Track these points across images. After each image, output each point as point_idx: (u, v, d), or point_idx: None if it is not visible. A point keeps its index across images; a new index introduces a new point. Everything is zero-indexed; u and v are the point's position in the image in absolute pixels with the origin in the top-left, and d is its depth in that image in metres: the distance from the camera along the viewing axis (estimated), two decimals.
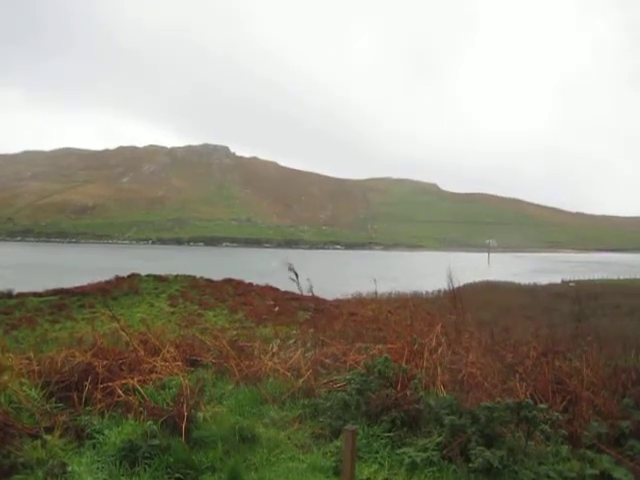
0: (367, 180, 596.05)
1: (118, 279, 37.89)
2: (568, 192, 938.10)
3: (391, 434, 8.30)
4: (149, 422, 7.97)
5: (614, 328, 23.47)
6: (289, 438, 8.48)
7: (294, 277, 11.89)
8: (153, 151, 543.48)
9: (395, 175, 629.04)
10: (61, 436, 7.91)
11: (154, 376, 10.28)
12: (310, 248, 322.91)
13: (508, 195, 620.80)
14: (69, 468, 7.10)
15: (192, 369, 11.38)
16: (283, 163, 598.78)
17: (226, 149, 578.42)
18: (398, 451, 7.84)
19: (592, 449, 8.32)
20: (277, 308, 28.36)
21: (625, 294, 55.42)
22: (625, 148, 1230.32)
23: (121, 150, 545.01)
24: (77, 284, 35.85)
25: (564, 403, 9.51)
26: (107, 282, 36.71)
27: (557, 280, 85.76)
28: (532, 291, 63.49)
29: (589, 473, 7.54)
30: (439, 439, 7.82)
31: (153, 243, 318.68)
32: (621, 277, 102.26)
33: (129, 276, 38.65)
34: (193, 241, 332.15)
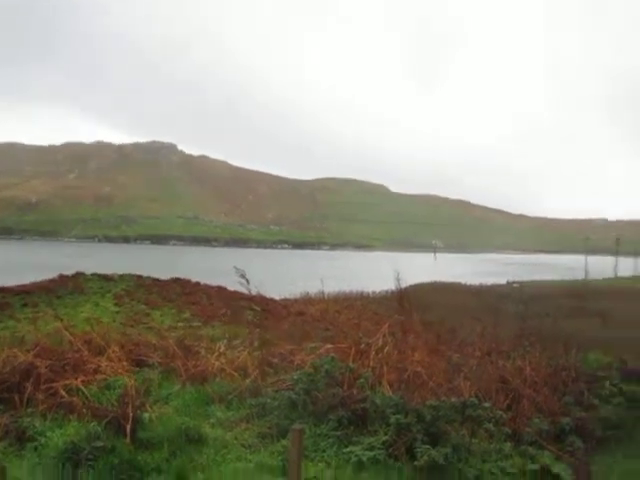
0: (316, 180, 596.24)
1: (62, 278, 37.11)
2: (511, 194, 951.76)
3: (338, 433, 8.34)
4: (93, 423, 7.87)
5: (556, 328, 23.90)
6: (236, 438, 8.46)
7: (242, 277, 11.85)
8: (100, 147, 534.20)
9: (344, 175, 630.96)
10: (1, 439, 7.76)
11: (98, 376, 10.16)
12: (258, 247, 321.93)
13: (454, 197, 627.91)
14: (9, 472, 6.95)
15: (138, 369, 11.26)
16: (233, 163, 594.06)
17: (174, 147, 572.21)
18: (345, 450, 7.88)
19: (534, 445, 8.50)
20: (227, 310, 28.15)
21: (567, 295, 56.50)
22: (565, 152, 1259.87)
23: (68, 146, 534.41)
24: (20, 282, 35.07)
25: (507, 401, 9.69)
26: (51, 281, 35.91)
27: (502, 281, 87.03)
28: (477, 292, 64.24)
29: (530, 469, 7.71)
30: (385, 438, 7.89)
31: (99, 241, 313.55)
32: (563, 278, 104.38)
33: (74, 275, 37.85)
34: (140, 239, 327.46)
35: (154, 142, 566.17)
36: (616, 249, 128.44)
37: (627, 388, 10.62)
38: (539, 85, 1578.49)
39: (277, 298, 37.34)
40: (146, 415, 8.49)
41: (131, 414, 8.01)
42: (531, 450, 8.33)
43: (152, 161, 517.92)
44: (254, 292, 13.04)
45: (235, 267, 11.73)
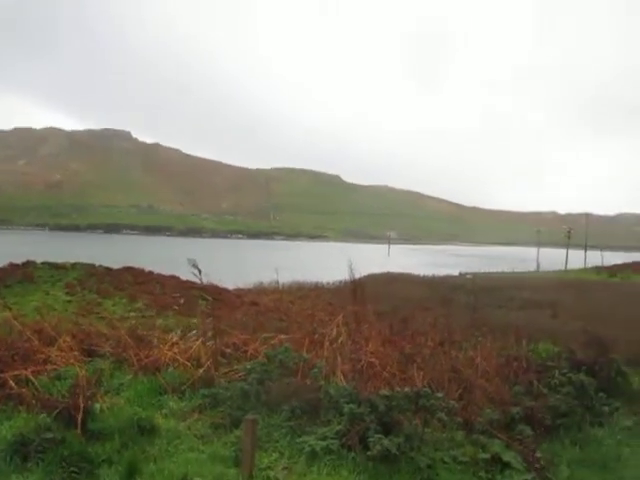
0: (271, 170, 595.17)
1: (12, 266, 36.44)
2: (465, 187, 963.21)
3: (291, 423, 8.35)
4: (42, 415, 7.74)
5: (507, 319, 24.23)
6: (189, 428, 8.41)
7: (194, 267, 11.74)
8: (51, 133, 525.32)
9: (299, 166, 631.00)
10: None
11: (49, 367, 10.01)
12: (212, 237, 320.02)
13: (408, 188, 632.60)
14: None
15: (89, 359, 11.11)
16: (187, 151, 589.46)
17: (128, 134, 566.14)
18: (298, 440, 7.89)
19: (485, 434, 8.62)
20: (182, 300, 27.96)
21: (518, 287, 57.22)
22: (518, 145, 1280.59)
23: (17, 131, 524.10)
24: None
25: (459, 391, 9.80)
26: (0, 269, 35.29)
27: (454, 272, 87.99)
28: (430, 283, 64.73)
29: (481, 457, 7.82)
30: (338, 427, 7.91)
31: (50, 229, 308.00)
32: (515, 270, 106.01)
33: (24, 263, 37.18)
34: (92, 228, 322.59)
35: (107, 129, 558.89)
36: (567, 242, 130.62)
37: (575, 377, 10.80)
38: (501, 81, 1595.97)
39: (231, 288, 37.20)
40: (97, 406, 8.38)
41: (82, 405, 7.87)
42: (482, 439, 8.45)
43: (105, 148, 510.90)
44: (207, 282, 12.91)
45: (187, 258, 11.60)
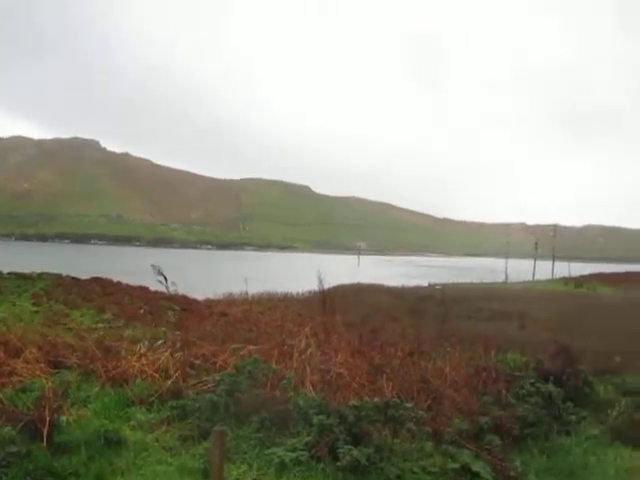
0: (240, 180, 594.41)
1: None
2: (435, 198, 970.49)
3: (260, 434, 8.31)
4: (7, 428, 7.60)
5: (476, 330, 24.40)
6: (157, 441, 8.32)
7: (162, 277, 11.65)
8: (19, 142, 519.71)
9: (269, 176, 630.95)
10: None
11: (14, 379, 9.86)
12: (182, 247, 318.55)
13: (378, 199, 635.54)
14: None
15: (56, 371, 10.98)
16: (157, 161, 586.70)
17: (97, 143, 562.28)
18: (267, 451, 7.85)
19: (454, 444, 8.64)
20: (142, 310, 27.71)
21: (487, 298, 57.50)
22: (487, 157, 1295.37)
23: None
24: None
25: (428, 401, 9.83)
26: None
27: (424, 283, 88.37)
28: (400, 293, 64.80)
29: (451, 467, 7.84)
30: (308, 439, 7.89)
31: (16, 239, 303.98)
32: (484, 281, 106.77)
33: None
34: (60, 238, 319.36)
35: (76, 138, 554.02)
36: (535, 253, 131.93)
37: (543, 387, 10.90)
38: (469, 95, 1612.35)
39: (200, 298, 37.04)
40: (63, 418, 8.25)
41: (48, 417, 7.74)
42: (451, 449, 8.47)
43: (73, 157, 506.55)
44: (176, 292, 12.83)
45: (152, 265, 11.51)
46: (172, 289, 12.22)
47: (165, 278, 11.75)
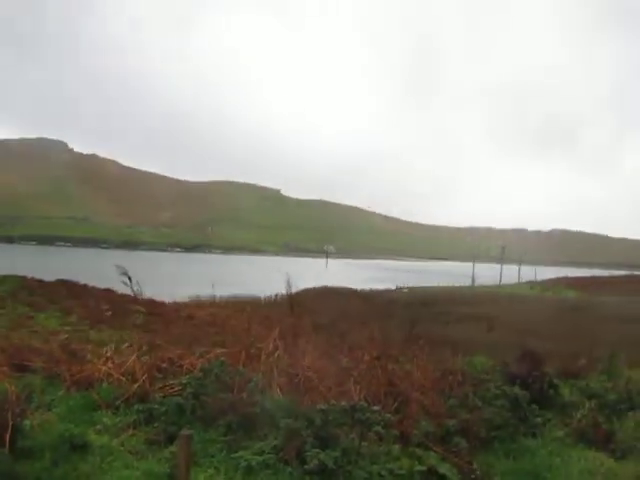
0: (210, 183, 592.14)
1: None
2: (404, 202, 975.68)
3: (227, 438, 8.28)
4: None
5: (443, 333, 24.56)
6: (123, 445, 8.24)
7: (127, 280, 11.56)
8: None
9: (238, 179, 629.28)
10: None
11: None
12: (149, 250, 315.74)
13: (347, 203, 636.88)
14: None
15: (20, 374, 10.81)
16: (125, 162, 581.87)
17: (64, 144, 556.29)
18: (234, 455, 7.81)
19: (421, 447, 8.68)
20: (109, 312, 27.45)
21: (455, 301, 58.12)
22: (456, 163, 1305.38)
23: None
24: None
25: (396, 404, 9.85)
26: None
27: (392, 286, 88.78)
28: (368, 297, 65.17)
29: (417, 469, 7.87)
30: (275, 442, 7.87)
31: None
32: (451, 284, 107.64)
33: None
34: (25, 239, 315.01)
35: (42, 139, 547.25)
36: (501, 257, 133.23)
37: (509, 390, 10.99)
38: (439, 99, 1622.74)
39: (167, 301, 36.78)
40: (27, 423, 8.13)
41: (11, 422, 7.61)
42: (419, 451, 8.50)
43: (40, 158, 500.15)
44: (141, 294, 12.73)
45: (116, 265, 11.41)
46: (136, 290, 12.12)
47: (130, 279, 11.66)
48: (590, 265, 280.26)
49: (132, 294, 12.30)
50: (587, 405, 11.74)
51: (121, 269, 11.27)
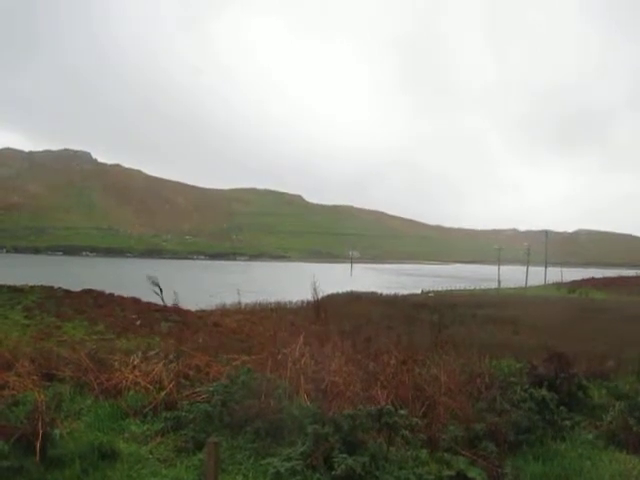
0: (232, 190, 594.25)
1: None
2: (427, 206, 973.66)
3: (255, 445, 8.28)
4: None
5: (470, 336, 24.42)
6: (151, 452, 8.28)
7: (155, 284, 11.62)
8: (8, 155, 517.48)
9: (260, 186, 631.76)
10: None
11: (6, 392, 9.81)
12: (173, 258, 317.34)
13: (371, 207, 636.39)
14: None
15: (49, 384, 10.92)
16: (148, 172, 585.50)
17: (88, 155, 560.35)
18: (262, 462, 7.81)
19: (449, 451, 8.63)
20: (139, 322, 27.65)
21: (480, 304, 57.81)
22: (479, 165, 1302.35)
23: None
24: None
25: (423, 409, 9.80)
26: None
27: (417, 291, 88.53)
28: (393, 301, 64.99)
29: (446, 474, 7.82)
30: (303, 448, 7.85)
31: (7, 252, 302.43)
32: (477, 287, 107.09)
33: None
34: (51, 250, 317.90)
35: (66, 150, 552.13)
36: (527, 259, 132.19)
37: (537, 393, 10.89)
38: (462, 100, 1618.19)
39: (193, 309, 36.96)
40: (57, 431, 8.18)
41: (41, 431, 7.67)
42: (447, 456, 8.45)
43: (64, 169, 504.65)
44: (169, 303, 12.80)
45: (148, 276, 11.48)
46: (172, 300, 12.21)
47: (160, 289, 11.73)
48: (617, 266, 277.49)
49: (161, 303, 12.33)
50: (617, 407, 11.59)
51: (152, 279, 11.31)
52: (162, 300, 11.97)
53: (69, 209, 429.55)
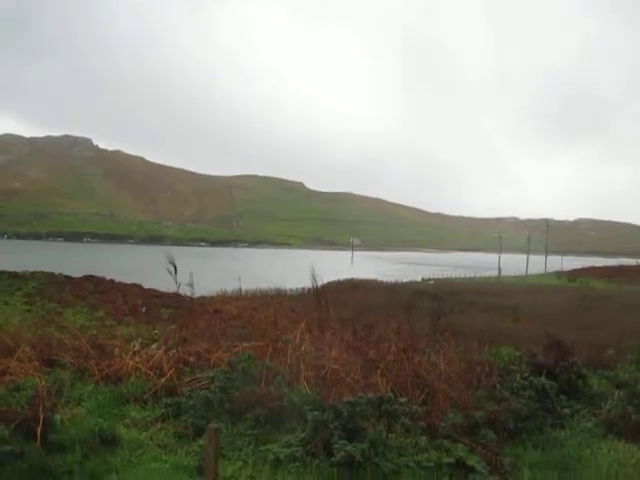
0: (233, 177, 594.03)
1: None
2: (428, 193, 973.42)
3: (255, 431, 8.30)
4: (0, 427, 7.57)
5: (470, 324, 24.44)
6: (151, 438, 8.31)
7: (172, 271, 11.61)
8: (9, 141, 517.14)
9: (261, 173, 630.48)
10: None
11: (7, 378, 9.83)
12: (174, 244, 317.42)
13: (372, 195, 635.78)
14: None
15: (50, 369, 10.94)
16: (150, 158, 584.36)
17: (89, 141, 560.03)
18: (262, 448, 7.84)
19: (448, 439, 8.64)
20: (144, 308, 27.68)
21: (480, 292, 57.83)
22: (481, 154, 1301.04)
23: None
24: None
25: (423, 396, 9.83)
26: None
27: (417, 278, 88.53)
28: (393, 289, 65.03)
29: (445, 462, 7.84)
30: (302, 435, 7.88)
31: (8, 238, 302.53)
32: (477, 275, 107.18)
33: None
34: (52, 236, 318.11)
35: (67, 136, 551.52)
36: (527, 247, 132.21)
37: (537, 381, 10.90)
38: (464, 90, 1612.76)
39: (194, 296, 36.96)
40: (57, 417, 8.21)
41: (42, 416, 7.69)
42: (446, 443, 8.47)
43: (65, 155, 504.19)
44: (179, 290, 12.74)
45: (167, 256, 11.46)
46: (186, 289, 12.20)
47: (175, 268, 11.72)
48: (617, 254, 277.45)
49: (161, 289, 12.34)
50: (616, 395, 11.61)
51: (169, 257, 11.30)
52: (175, 281, 11.92)
53: (70, 195, 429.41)
